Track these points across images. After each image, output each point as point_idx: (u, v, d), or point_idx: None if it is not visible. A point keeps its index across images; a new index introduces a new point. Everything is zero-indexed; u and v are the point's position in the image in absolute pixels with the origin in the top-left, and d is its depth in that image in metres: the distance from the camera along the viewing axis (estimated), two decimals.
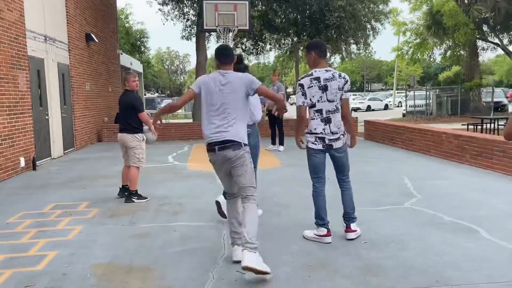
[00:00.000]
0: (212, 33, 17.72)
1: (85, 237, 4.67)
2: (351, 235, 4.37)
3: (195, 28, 17.44)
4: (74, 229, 4.95)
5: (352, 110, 32.93)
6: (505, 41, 25.29)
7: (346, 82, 4.32)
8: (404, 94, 31.19)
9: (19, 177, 8.30)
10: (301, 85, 4.30)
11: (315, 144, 4.32)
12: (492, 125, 13.92)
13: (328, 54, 22.75)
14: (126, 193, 6.21)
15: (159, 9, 17.99)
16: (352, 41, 19.71)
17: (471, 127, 14.19)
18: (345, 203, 4.44)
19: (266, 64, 44.54)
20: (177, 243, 4.39)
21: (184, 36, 18.17)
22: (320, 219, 4.35)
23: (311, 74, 4.29)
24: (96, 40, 14.14)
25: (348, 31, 17.93)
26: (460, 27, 21.95)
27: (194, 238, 4.52)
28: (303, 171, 8.08)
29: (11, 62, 8.45)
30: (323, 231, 4.32)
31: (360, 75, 78.30)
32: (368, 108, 37.92)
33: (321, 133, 4.28)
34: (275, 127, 11.32)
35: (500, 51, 27.93)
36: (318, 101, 4.26)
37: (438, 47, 26.11)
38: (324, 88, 4.24)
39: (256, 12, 16.27)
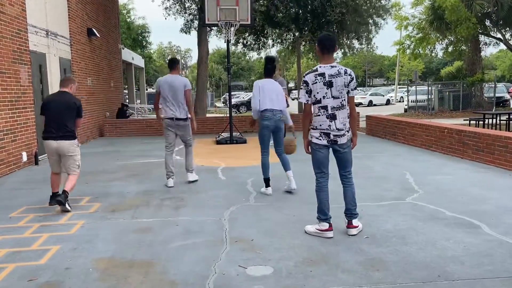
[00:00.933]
0: (214, 27, 17.67)
1: (88, 231, 4.68)
2: (353, 231, 4.36)
3: (196, 23, 17.40)
4: (76, 223, 4.96)
5: None
6: (508, 36, 25.16)
7: (352, 79, 4.24)
8: (406, 89, 31.13)
9: (21, 171, 8.32)
10: (306, 82, 4.26)
11: (320, 139, 4.28)
12: (494, 120, 13.90)
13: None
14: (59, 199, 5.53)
15: (162, 2, 17.88)
16: (354, 36, 19.65)
17: (473, 122, 14.17)
18: (347, 199, 4.41)
19: None
20: (179, 238, 4.40)
21: (183, 29, 18.10)
22: (323, 214, 4.35)
23: (316, 70, 4.23)
24: (98, 35, 14.13)
25: (350, 26, 17.86)
26: (462, 21, 21.86)
27: (196, 233, 4.53)
28: (304, 166, 8.07)
29: (13, 57, 8.45)
30: (325, 225, 4.33)
31: (362, 70, 78.10)
32: (370, 103, 37.90)
33: (327, 129, 4.24)
34: None
35: (502, 46, 27.83)
36: (323, 97, 4.20)
37: (440, 41, 26.03)
38: (329, 85, 4.17)
39: (258, 6, 16.21)
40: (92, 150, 11.23)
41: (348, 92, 4.26)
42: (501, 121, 13.97)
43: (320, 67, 4.25)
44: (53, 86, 10.56)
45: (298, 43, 21.27)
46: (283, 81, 10.97)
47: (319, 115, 4.25)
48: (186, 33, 18.08)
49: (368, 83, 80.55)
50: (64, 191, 5.45)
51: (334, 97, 4.18)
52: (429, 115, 22.44)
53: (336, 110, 4.21)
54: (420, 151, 9.60)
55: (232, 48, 22.06)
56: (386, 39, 52.03)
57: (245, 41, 20.28)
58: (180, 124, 6.60)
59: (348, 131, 4.33)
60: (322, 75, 4.19)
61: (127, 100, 25.90)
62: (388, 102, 39.88)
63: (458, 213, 5.00)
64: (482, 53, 26.17)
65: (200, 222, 4.89)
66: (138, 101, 29.43)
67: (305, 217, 4.95)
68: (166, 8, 18.06)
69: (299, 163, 8.31)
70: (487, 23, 24.89)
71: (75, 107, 5.54)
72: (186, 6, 17.56)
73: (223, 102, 45.99)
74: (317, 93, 4.20)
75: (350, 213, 4.40)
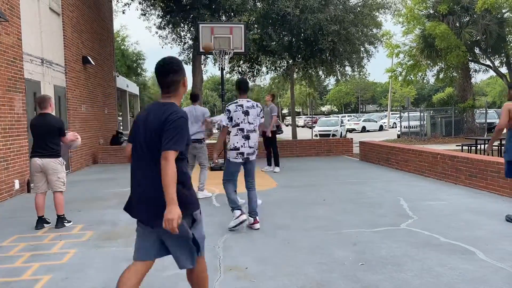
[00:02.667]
0: (208, 55, 17.89)
1: (80, 260, 4.62)
2: (258, 226, 5.63)
3: (192, 52, 17.62)
4: (68, 252, 4.90)
5: (347, 131, 33.20)
6: (497, 63, 25.66)
7: (261, 110, 5.80)
8: (398, 115, 31.44)
9: (14, 199, 8.25)
10: (228, 110, 5.61)
11: (236, 159, 5.62)
12: (486, 145, 14.00)
13: (323, 76, 22.99)
14: (45, 223, 6.10)
15: (156, 33, 18.17)
16: (346, 63, 19.94)
17: (465, 148, 14.28)
18: (253, 200, 5.69)
19: (262, 86, 44.94)
20: (172, 266, 4.34)
21: (184, 60, 18.37)
22: (233, 203, 5.61)
23: (237, 102, 5.68)
24: (93, 63, 14.25)
25: (342, 54, 18.15)
26: (452, 49, 22.30)
27: None
28: (299, 192, 8.08)
29: (8, 85, 8.48)
30: (238, 213, 5.53)
31: (354, 97, 78.92)
32: (363, 129, 38.17)
33: (241, 146, 5.57)
34: (270, 148, 11.35)
35: (492, 73, 28.31)
36: (241, 122, 5.58)
37: (431, 68, 26.47)
38: (246, 113, 5.62)
39: (252, 36, 16.47)
40: (86, 177, 11.16)
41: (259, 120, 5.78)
42: (493, 147, 14.08)
43: (240, 100, 5.71)
44: None
45: (292, 70, 21.55)
46: (274, 108, 11.07)
47: (237, 135, 5.59)
48: (187, 64, 18.31)
49: (361, 109, 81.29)
50: (59, 216, 6.06)
51: (249, 123, 5.61)
52: (421, 141, 22.60)
53: (250, 133, 5.62)
54: (413, 177, 9.64)
55: (227, 75, 22.28)
56: (378, 66, 52.92)
57: (240, 69, 20.52)
58: (197, 146, 7.77)
59: (257, 149, 5.75)
60: (241, 106, 5.64)
61: (121, 127, 25.92)
62: (381, 128, 40.18)
63: (452, 239, 4.99)
64: (473, 80, 26.59)
65: None
66: None
67: (300, 243, 4.92)
68: (161, 37, 18.32)
69: (293, 189, 8.31)
70: (477, 50, 25.41)
71: (56, 128, 5.96)
72: (182, 35, 17.81)
73: (217, 129, 46.11)
74: (237, 118, 5.59)
75: (254, 211, 5.66)
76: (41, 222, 6.05)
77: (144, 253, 2.85)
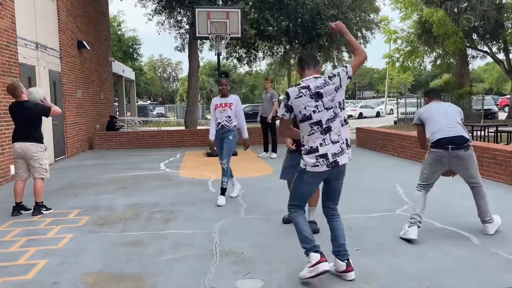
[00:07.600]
0: (205, 41, 17.78)
1: (76, 245, 4.62)
2: (353, 275, 3.56)
3: (188, 37, 17.49)
4: (64, 237, 4.90)
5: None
6: (495, 49, 25.56)
7: (335, 76, 3.55)
8: (395, 101, 31.41)
9: (9, 184, 8.22)
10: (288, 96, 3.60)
11: (315, 167, 3.52)
12: (483, 132, 14.04)
13: (320, 62, 22.94)
14: (23, 210, 6.03)
15: (149, 20, 17.99)
16: (343, 49, 19.84)
17: None
18: (339, 230, 3.74)
19: (259, 71, 44.72)
20: (168, 251, 4.37)
21: (178, 47, 18.20)
22: (307, 242, 3.52)
23: (299, 84, 3.61)
24: (88, 48, 14.11)
25: (340, 39, 18.04)
26: (450, 35, 22.19)
27: (186, 246, 4.49)
28: None
29: (2, 70, 8.40)
30: (316, 257, 3.42)
31: (352, 83, 78.66)
32: (360, 116, 38.13)
33: (320, 145, 3.49)
34: (267, 134, 11.33)
35: (489, 59, 28.24)
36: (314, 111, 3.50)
37: (429, 55, 26.36)
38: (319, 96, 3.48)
39: (248, 21, 16.34)
40: (82, 162, 11.14)
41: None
42: (489, 133, 14.10)
43: (302, 81, 3.64)
44: None
45: (289, 56, 21.43)
46: (275, 94, 11.03)
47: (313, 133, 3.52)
48: (180, 51, 18.16)
49: (358, 96, 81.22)
50: (37, 204, 5.97)
51: (326, 108, 3.51)
52: None
53: (331, 122, 3.51)
54: (410, 163, 9.66)
55: (224, 61, 22.14)
56: (376, 52, 52.80)
57: (237, 55, 20.41)
58: None
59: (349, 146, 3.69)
60: (307, 87, 3.53)
61: (117, 113, 25.82)
62: (378, 115, 40.15)
63: (447, 224, 5.02)
64: (470, 66, 26.51)
65: (190, 235, 4.86)
66: (129, 113, 29.38)
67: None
68: (159, 23, 18.16)
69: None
70: (474, 36, 25.28)
71: (37, 114, 5.86)
72: (178, 19, 17.64)
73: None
74: (304, 108, 3.50)
75: (343, 248, 3.63)
76: (18, 208, 5.98)
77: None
